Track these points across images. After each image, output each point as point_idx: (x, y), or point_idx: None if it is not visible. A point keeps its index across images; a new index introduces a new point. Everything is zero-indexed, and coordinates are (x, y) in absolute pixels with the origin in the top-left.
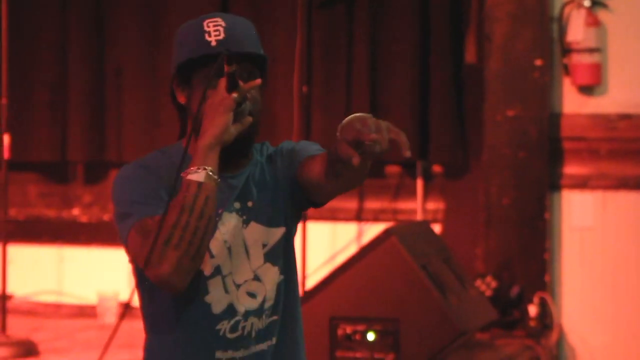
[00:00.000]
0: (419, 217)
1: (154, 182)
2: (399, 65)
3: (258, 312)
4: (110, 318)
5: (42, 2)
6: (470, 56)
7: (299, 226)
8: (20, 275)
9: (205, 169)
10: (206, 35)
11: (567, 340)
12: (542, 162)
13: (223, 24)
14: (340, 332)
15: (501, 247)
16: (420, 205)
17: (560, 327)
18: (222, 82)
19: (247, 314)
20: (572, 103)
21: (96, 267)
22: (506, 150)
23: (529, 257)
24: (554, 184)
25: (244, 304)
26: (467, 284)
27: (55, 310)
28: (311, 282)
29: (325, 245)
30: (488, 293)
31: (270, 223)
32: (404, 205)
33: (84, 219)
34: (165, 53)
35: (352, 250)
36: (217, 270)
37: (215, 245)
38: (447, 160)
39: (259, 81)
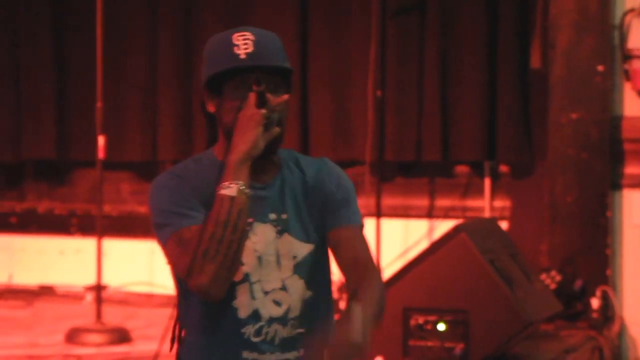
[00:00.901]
0: (486, 214)
1: (188, 191)
2: (468, 70)
3: (282, 320)
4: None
5: (133, 12)
6: (535, 62)
7: (371, 224)
8: (114, 267)
9: (237, 183)
10: (235, 49)
11: (628, 331)
12: (604, 162)
13: (252, 37)
14: (412, 322)
15: (565, 243)
16: (488, 203)
17: (622, 319)
18: (252, 97)
19: (271, 321)
20: (632, 106)
21: None
22: (570, 151)
23: (591, 253)
24: (615, 183)
25: (269, 310)
26: (533, 278)
27: (147, 300)
28: (385, 275)
29: (398, 240)
30: (552, 286)
31: (301, 237)
32: (472, 203)
33: None
34: None
35: (424, 245)
36: (246, 277)
37: (245, 254)
38: (513, 161)
39: (286, 97)
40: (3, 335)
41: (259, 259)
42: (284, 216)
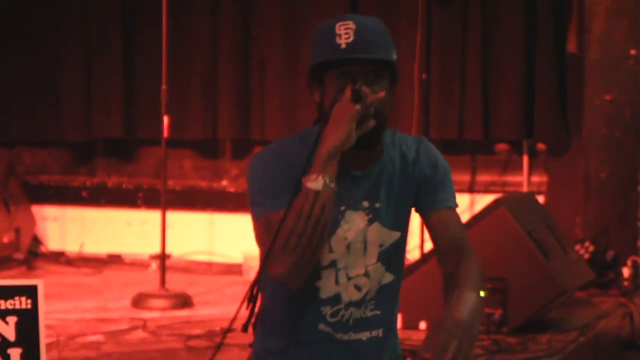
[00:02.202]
0: (525, 189)
1: (286, 172)
2: (508, 54)
3: (359, 303)
4: (254, 275)
5: (196, 0)
6: (571, 46)
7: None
8: (177, 237)
9: (323, 177)
10: (337, 38)
11: None
12: (636, 140)
13: (353, 26)
14: None
15: (598, 216)
16: (526, 179)
17: None
18: (348, 91)
19: (349, 304)
20: None
21: (242, 231)
22: (603, 130)
23: (623, 225)
24: None
25: (350, 295)
26: (568, 248)
27: (207, 268)
28: (428, 246)
29: None
30: (586, 256)
31: (390, 225)
32: (511, 178)
33: (231, 189)
34: (303, 45)
35: (465, 218)
36: (333, 264)
37: (335, 241)
38: (550, 139)
39: (383, 93)
40: (75, 300)
41: (348, 246)
42: (377, 204)
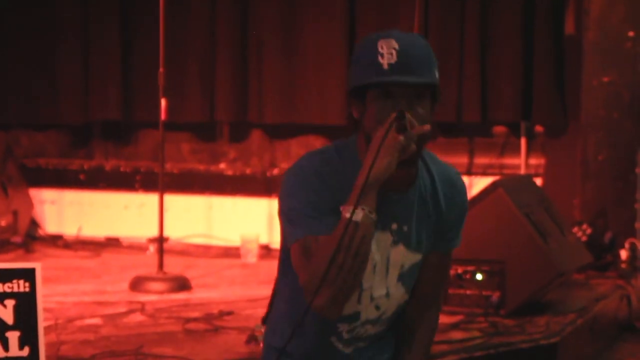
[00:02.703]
0: (522, 171)
1: (324, 193)
2: (506, 36)
3: (375, 321)
4: (252, 258)
5: None
6: (569, 28)
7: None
8: (175, 220)
9: (363, 209)
10: (379, 57)
11: None
12: (634, 122)
13: (396, 46)
14: (452, 272)
15: (596, 198)
16: (523, 161)
17: None
18: (390, 121)
19: (366, 322)
20: None
21: (240, 214)
22: (601, 112)
23: (621, 207)
24: None
25: (368, 314)
26: (566, 230)
27: (205, 251)
28: None
29: None
30: (584, 239)
31: (413, 248)
32: (509, 161)
33: (229, 172)
34: (299, 27)
35: None
36: (359, 285)
37: None
38: (548, 121)
39: (428, 127)
40: (73, 283)
41: (374, 267)
42: (405, 228)
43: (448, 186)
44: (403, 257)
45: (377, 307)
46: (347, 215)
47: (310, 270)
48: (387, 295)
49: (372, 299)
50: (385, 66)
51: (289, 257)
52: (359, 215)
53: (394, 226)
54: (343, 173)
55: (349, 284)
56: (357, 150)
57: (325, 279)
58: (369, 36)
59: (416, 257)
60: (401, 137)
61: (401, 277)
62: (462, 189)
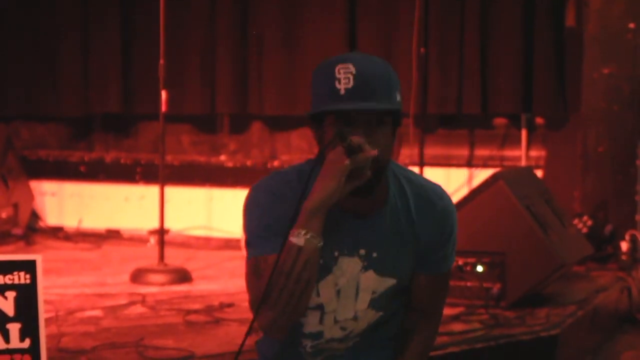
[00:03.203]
0: (523, 163)
1: (279, 212)
2: (506, 28)
3: (342, 340)
4: None
5: None
6: (570, 20)
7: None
8: (175, 212)
9: (306, 233)
10: (336, 83)
11: None
12: (634, 114)
13: (353, 70)
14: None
15: (596, 190)
16: (524, 153)
17: None
18: (338, 149)
19: (331, 341)
20: None
21: (240, 206)
22: (601, 104)
23: (621, 199)
24: None
25: (333, 334)
26: (566, 222)
27: (205, 243)
28: None
29: None
30: (584, 231)
31: (385, 273)
32: (509, 153)
33: (229, 164)
34: (299, 20)
35: (464, 192)
36: (319, 307)
37: (324, 286)
38: (548, 113)
39: (374, 152)
40: (74, 275)
41: (338, 292)
42: (374, 254)
43: (426, 208)
44: (374, 282)
45: (343, 329)
46: (291, 239)
47: (256, 290)
48: (355, 318)
49: (335, 321)
50: (342, 92)
51: None
52: (301, 240)
53: (362, 252)
54: (302, 192)
55: (290, 308)
56: (319, 172)
57: (266, 302)
58: (327, 60)
59: (390, 282)
60: (347, 161)
61: (373, 302)
62: (446, 210)
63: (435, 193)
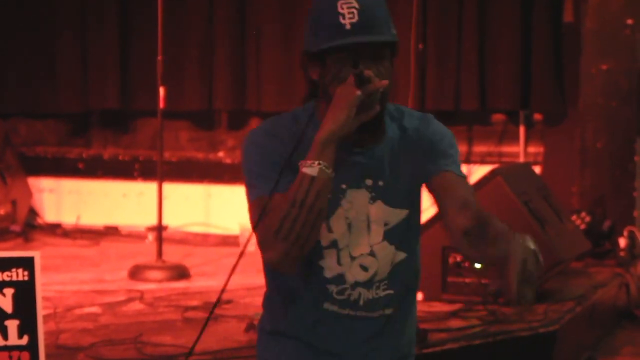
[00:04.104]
0: (521, 159)
1: (278, 151)
2: (504, 24)
3: (367, 284)
4: (251, 246)
5: None
6: (568, 16)
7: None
8: (173, 209)
9: (319, 163)
10: (340, 18)
11: None
12: (632, 110)
13: (357, 5)
14: (451, 260)
15: (595, 186)
16: (522, 149)
17: None
18: (350, 78)
19: (355, 285)
20: None
21: (238, 202)
22: (599, 100)
23: (619, 195)
24: None
25: (355, 275)
26: (564, 218)
27: (203, 240)
28: (425, 216)
29: None
30: (582, 227)
31: (395, 204)
32: (507, 149)
33: (227, 160)
34: (297, 15)
35: None
36: (334, 244)
37: (335, 221)
38: (546, 109)
39: (386, 82)
40: (72, 272)
41: (349, 225)
42: (380, 183)
43: (418, 126)
44: (385, 214)
45: (364, 268)
46: (303, 169)
47: (265, 226)
48: (372, 254)
49: (352, 258)
50: (348, 26)
51: None
52: (314, 170)
53: (369, 182)
54: (298, 132)
55: (302, 240)
56: (317, 113)
57: (279, 234)
58: None
59: (402, 214)
60: (359, 92)
61: (387, 235)
62: (437, 125)
63: (427, 117)
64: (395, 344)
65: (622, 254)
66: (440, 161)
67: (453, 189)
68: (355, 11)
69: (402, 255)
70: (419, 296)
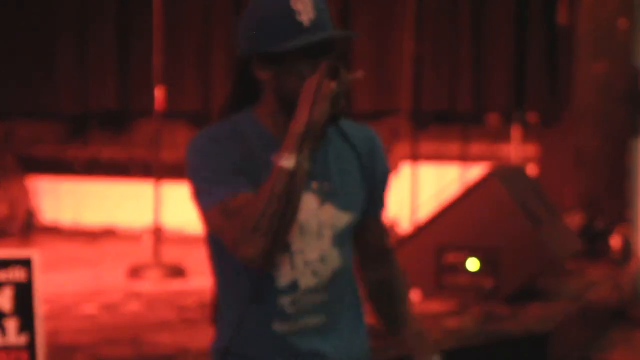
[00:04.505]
0: (516, 159)
1: (227, 156)
2: (499, 26)
3: (315, 289)
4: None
5: None
6: (562, 17)
7: (407, 168)
8: (170, 209)
9: (297, 156)
10: (297, 15)
11: None
12: (626, 111)
13: (309, 1)
14: (446, 259)
15: (589, 186)
16: (517, 149)
17: None
18: (321, 70)
19: (307, 291)
20: None
21: None
22: (594, 101)
23: (613, 195)
24: (637, 131)
25: (306, 281)
26: (558, 218)
27: (200, 239)
28: (420, 216)
29: (432, 183)
30: (576, 226)
31: (342, 206)
32: (502, 149)
33: None
34: None
35: (456, 188)
36: (286, 248)
37: None
38: (541, 109)
39: (360, 73)
40: (70, 272)
41: (301, 228)
42: (326, 185)
43: (368, 145)
44: (334, 217)
45: (314, 273)
46: (282, 163)
47: (238, 224)
48: (322, 259)
49: (306, 263)
50: (307, 23)
51: (216, 250)
52: (291, 162)
53: (314, 185)
54: (244, 138)
55: (281, 235)
56: (258, 117)
57: (258, 230)
58: None
59: (346, 217)
60: (333, 84)
61: (335, 240)
62: (381, 145)
63: (365, 128)
64: (347, 356)
65: (615, 254)
66: (377, 200)
67: (376, 235)
68: (309, 7)
69: (341, 263)
70: (415, 296)
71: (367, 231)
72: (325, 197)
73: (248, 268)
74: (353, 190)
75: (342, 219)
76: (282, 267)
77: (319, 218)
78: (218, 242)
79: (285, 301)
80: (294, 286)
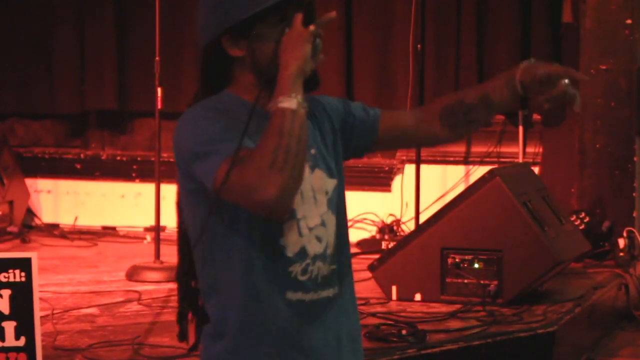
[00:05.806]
0: (520, 160)
1: (226, 119)
2: (503, 24)
3: (323, 257)
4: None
5: None
6: (567, 16)
7: (408, 168)
8: (171, 209)
9: (295, 97)
10: None
11: None
12: (631, 110)
13: None
14: (450, 261)
15: (594, 186)
16: (521, 150)
17: None
18: (297, 18)
19: (315, 258)
20: None
21: None
22: (599, 100)
23: (618, 196)
24: None
25: (314, 247)
26: (563, 219)
27: None
28: (424, 217)
29: (436, 184)
30: (582, 227)
31: (330, 173)
32: (506, 149)
33: None
34: None
35: (460, 189)
36: (292, 214)
37: None
38: (545, 109)
39: (334, 13)
40: (70, 273)
41: (301, 194)
42: (312, 151)
43: (321, 102)
44: (324, 182)
45: (319, 239)
46: (281, 105)
47: (252, 167)
48: (324, 224)
49: (310, 229)
50: None
51: (211, 243)
52: (293, 103)
53: None
54: (229, 111)
55: (298, 170)
56: (236, 94)
57: (274, 166)
58: None
59: (333, 182)
60: (311, 27)
61: (329, 204)
62: (328, 99)
63: (337, 99)
64: (349, 327)
65: (621, 254)
66: (369, 112)
67: (397, 115)
68: None
69: (341, 228)
70: (418, 297)
71: (389, 120)
72: (314, 162)
73: (259, 233)
74: (332, 157)
75: (331, 184)
76: (289, 234)
77: (311, 184)
78: (215, 225)
79: (297, 269)
80: (303, 253)
